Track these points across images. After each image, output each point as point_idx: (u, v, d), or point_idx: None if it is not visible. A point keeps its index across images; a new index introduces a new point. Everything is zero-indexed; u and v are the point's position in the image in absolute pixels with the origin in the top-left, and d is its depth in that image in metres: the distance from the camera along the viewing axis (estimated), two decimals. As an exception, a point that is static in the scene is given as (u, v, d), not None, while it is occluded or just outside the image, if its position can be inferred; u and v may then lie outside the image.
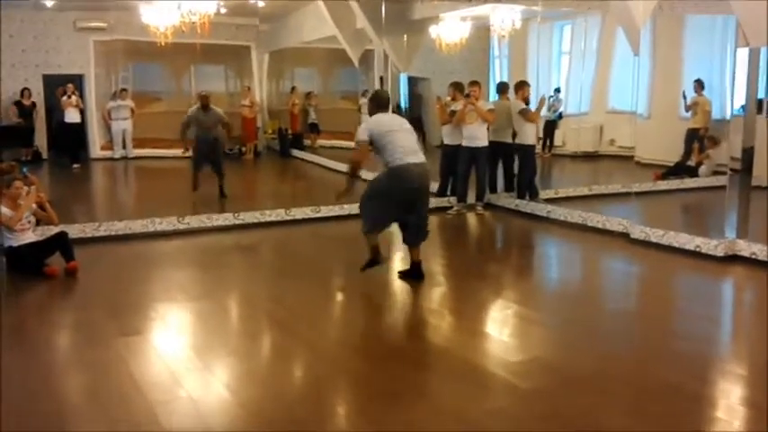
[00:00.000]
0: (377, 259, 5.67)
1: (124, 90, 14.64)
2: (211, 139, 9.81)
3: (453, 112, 8.82)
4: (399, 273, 5.81)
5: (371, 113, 5.66)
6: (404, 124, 5.62)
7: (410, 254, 5.72)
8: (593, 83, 13.18)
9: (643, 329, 4.81)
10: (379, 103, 5.70)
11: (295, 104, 15.76)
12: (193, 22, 9.84)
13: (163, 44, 10.64)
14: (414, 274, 5.65)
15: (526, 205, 8.83)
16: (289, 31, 15.03)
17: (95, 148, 14.70)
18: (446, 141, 9.09)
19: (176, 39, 10.73)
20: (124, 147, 14.60)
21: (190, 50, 13.65)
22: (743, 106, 6.54)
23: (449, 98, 9.27)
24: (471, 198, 8.97)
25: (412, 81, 12.02)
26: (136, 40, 13.40)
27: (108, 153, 14.65)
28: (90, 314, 4.98)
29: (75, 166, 13.24)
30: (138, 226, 7.56)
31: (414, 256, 5.68)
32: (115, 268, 6.43)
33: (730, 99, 6.76)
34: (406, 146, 5.40)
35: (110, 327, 4.70)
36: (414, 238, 5.65)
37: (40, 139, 14.15)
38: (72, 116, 13.40)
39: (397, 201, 5.45)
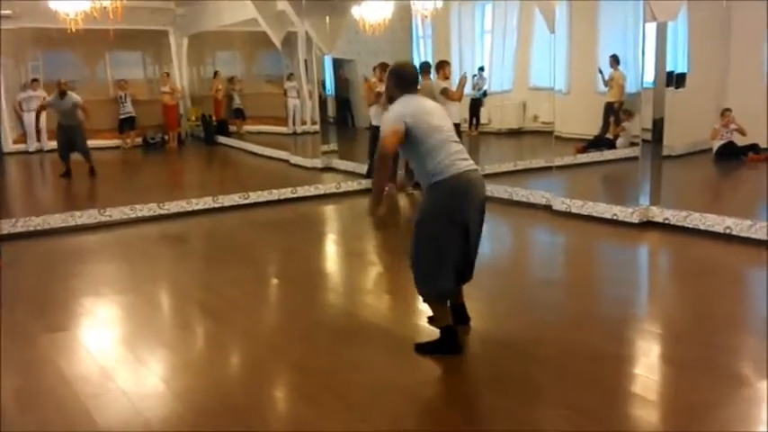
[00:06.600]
0: (455, 343, 3.85)
1: (35, 80, 14.07)
2: (70, 126, 10.39)
3: (380, 93, 8.85)
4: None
5: (394, 97, 3.83)
6: (443, 112, 3.93)
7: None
8: (515, 61, 13.43)
9: (568, 296, 5.01)
10: (406, 79, 3.87)
11: (218, 90, 15.46)
12: (105, 7, 9.49)
13: (74, 31, 10.22)
14: (461, 319, 4.18)
15: (454, 183, 8.96)
16: (208, 15, 14.70)
17: (7, 142, 14.10)
18: (374, 123, 9.10)
19: (88, 25, 10.34)
20: (39, 139, 14.05)
21: (103, 37, 13.19)
22: (655, 80, 6.82)
23: (375, 79, 9.29)
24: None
25: (337, 63, 11.98)
26: (45, 27, 12.88)
27: (22, 146, 14.09)
28: (11, 312, 4.80)
29: (-13, 161, 12.67)
30: (57, 220, 7.33)
31: (459, 297, 4.22)
32: (36, 264, 6.21)
33: (641, 73, 7.03)
34: (458, 146, 3.80)
35: (34, 324, 4.56)
36: (470, 273, 4.07)
37: (-54, 135, 13.48)
38: (-21, 109, 12.75)
39: (464, 228, 3.86)
